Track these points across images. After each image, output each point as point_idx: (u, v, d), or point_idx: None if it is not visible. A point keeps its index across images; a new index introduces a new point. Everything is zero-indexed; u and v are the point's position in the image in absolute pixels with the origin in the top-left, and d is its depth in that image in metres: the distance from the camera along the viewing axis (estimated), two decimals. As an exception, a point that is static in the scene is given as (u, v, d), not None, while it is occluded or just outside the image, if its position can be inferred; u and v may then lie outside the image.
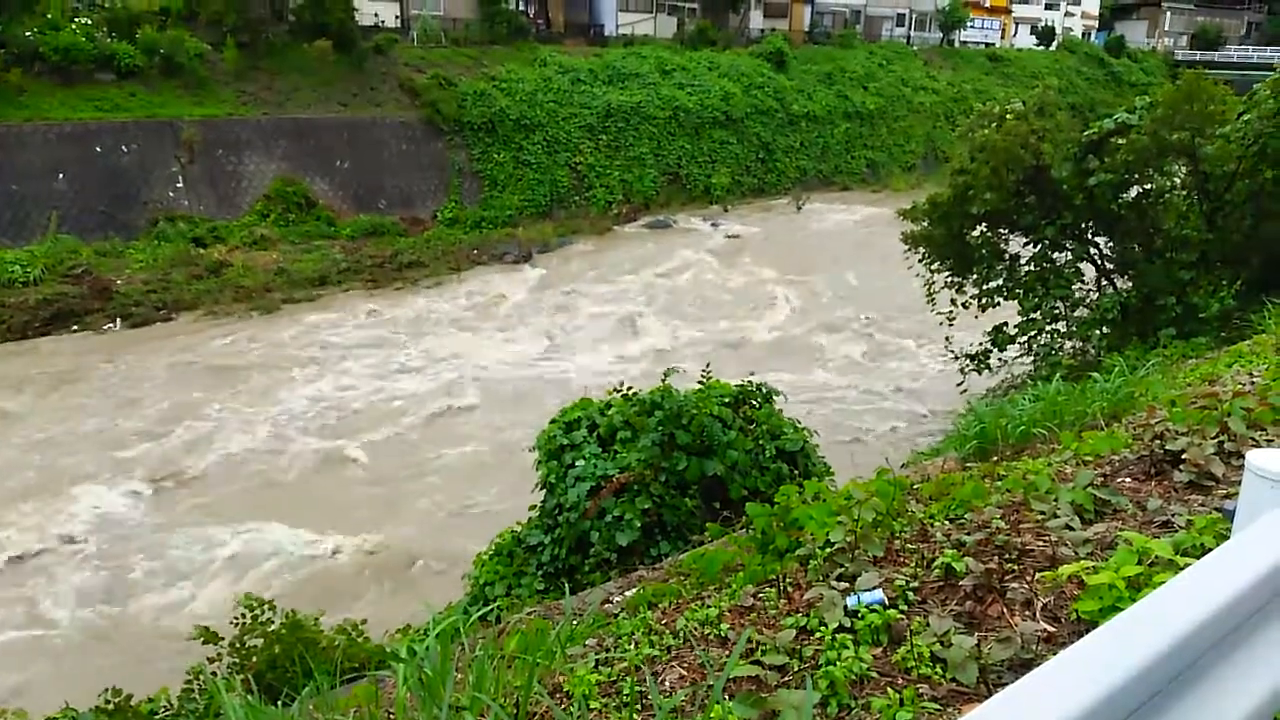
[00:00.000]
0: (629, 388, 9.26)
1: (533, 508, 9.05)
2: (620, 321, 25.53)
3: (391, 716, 2.82)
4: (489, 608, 4.12)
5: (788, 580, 3.44)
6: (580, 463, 8.38)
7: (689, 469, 8.05)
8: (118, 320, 23.86)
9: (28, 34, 28.32)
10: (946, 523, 3.80)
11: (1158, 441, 4.30)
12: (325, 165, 32.09)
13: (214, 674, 6.63)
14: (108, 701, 6.41)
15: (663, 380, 8.85)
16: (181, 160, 29.21)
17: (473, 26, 40.35)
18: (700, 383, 8.83)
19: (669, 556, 7.39)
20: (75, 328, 23.33)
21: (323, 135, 32.44)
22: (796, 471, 8.23)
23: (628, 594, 4.52)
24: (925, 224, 17.45)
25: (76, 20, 29.86)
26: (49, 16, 29.17)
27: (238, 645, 6.99)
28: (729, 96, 43.34)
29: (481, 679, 2.63)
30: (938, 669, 2.55)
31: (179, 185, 28.97)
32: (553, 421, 9.12)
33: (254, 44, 32.90)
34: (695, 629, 3.11)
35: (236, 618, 7.15)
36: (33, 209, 26.07)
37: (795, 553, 3.85)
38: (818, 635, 2.78)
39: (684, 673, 2.80)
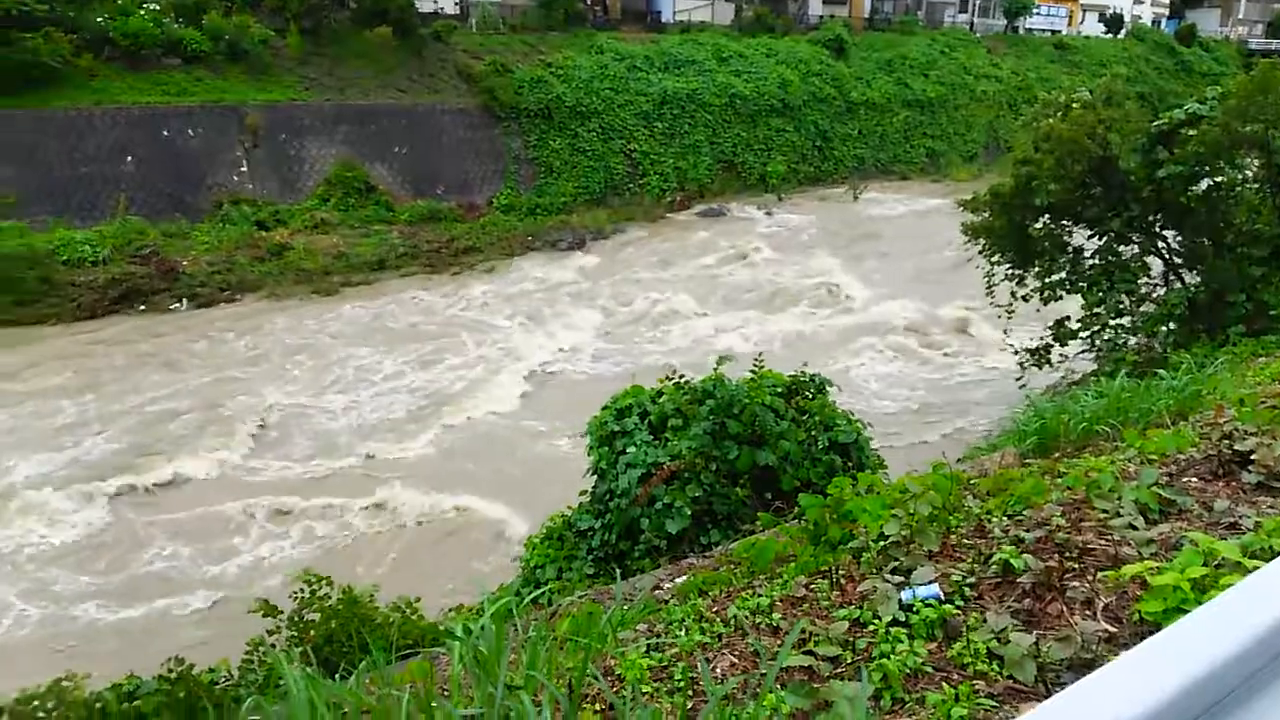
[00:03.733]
0: (680, 376, 9.25)
1: (583, 493, 9.10)
2: (672, 309, 25.50)
3: (446, 693, 2.86)
4: (540, 590, 4.16)
5: (840, 572, 3.42)
6: (631, 449, 8.41)
7: (740, 458, 8.03)
8: (184, 300, 24.51)
9: (98, 19, 29.14)
10: (1005, 519, 3.74)
11: (1226, 441, 4.18)
12: (384, 151, 32.51)
13: (273, 646, 6.80)
14: (170, 670, 6.58)
15: (715, 369, 8.84)
16: (245, 144, 29.83)
17: (530, 13, 40.50)
18: (752, 372, 8.79)
19: (719, 545, 7.39)
20: (142, 307, 24.01)
21: (382, 121, 32.85)
22: (850, 464, 8.17)
23: (678, 581, 4.53)
24: (986, 215, 17.12)
25: (145, 6, 30.61)
26: (119, 2, 29.99)
27: (296, 619, 7.16)
28: (786, 84, 42.89)
29: (534, 659, 2.66)
30: (994, 666, 2.52)
31: (243, 169, 29.59)
32: (604, 408, 9.16)
33: (316, 30, 33.43)
34: (746, 617, 3.11)
35: (294, 592, 7.32)
36: (102, 190, 26.84)
37: (848, 545, 3.82)
38: (871, 628, 2.76)
39: (735, 660, 2.80)
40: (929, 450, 13.05)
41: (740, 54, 43.30)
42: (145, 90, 28.98)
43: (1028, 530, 3.44)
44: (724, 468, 8.08)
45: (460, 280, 28.02)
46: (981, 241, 17.37)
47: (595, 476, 8.84)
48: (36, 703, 6.27)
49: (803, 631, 2.73)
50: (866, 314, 25.23)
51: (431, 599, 8.82)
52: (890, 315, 24.87)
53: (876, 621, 2.79)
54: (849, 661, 2.61)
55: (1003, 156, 38.46)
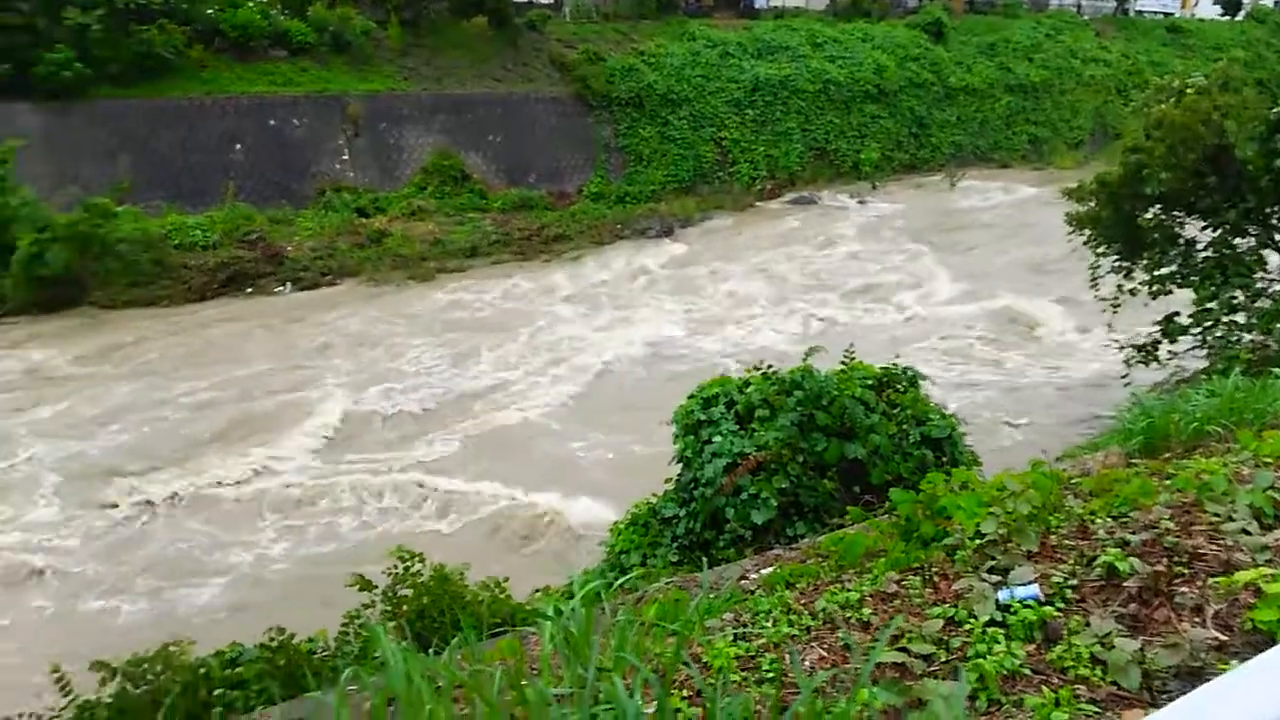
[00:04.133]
0: (768, 366, 9.17)
1: (668, 480, 9.12)
2: (760, 298, 25.30)
3: (535, 672, 2.91)
4: (628, 576, 4.19)
5: (934, 569, 3.35)
6: (717, 439, 8.38)
7: (828, 451, 7.93)
8: (288, 284, 25.45)
9: (209, 12, 30.41)
10: (1109, 520, 3.60)
11: (1353, 446, 3.94)
12: (479, 140, 33.08)
13: (368, 619, 7.02)
14: (272, 639, 6.85)
15: (804, 359, 8.73)
16: (347, 133, 30.74)
17: (623, 2, 40.58)
18: (843, 364, 8.65)
19: (805, 538, 7.31)
20: (249, 290, 25.04)
21: (477, 110, 33.42)
22: (943, 459, 7.98)
23: (764, 572, 4.51)
24: (1092, 204, 16.45)
25: (254, -1, 31.86)
26: (230, -4, 31.27)
27: (390, 594, 7.37)
28: (882, 69, 41.97)
29: (622, 643, 2.69)
30: (1097, 671, 2.44)
31: (345, 157, 30.51)
32: (690, 397, 9.14)
33: (416, 21, 34.21)
34: (836, 611, 3.07)
35: (389, 568, 7.54)
36: (212, 177, 28.02)
37: (941, 542, 3.74)
38: (966, 627, 2.70)
39: (824, 654, 2.78)
40: (1019, 448, 12.65)
41: (835, 39, 42.53)
42: (253, 80, 30.12)
43: (1134, 533, 3.31)
44: (811, 460, 7.99)
45: (550, 267, 28.36)
46: (1087, 232, 16.71)
47: (680, 465, 8.85)
48: (146, 666, 6.60)
49: (896, 628, 2.68)
50: (956, 307, 24.57)
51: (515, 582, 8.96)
52: (980, 309, 24.16)
53: (972, 621, 2.73)
54: (943, 660, 2.56)
55: (1110, 144, 36.93)
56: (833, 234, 31.76)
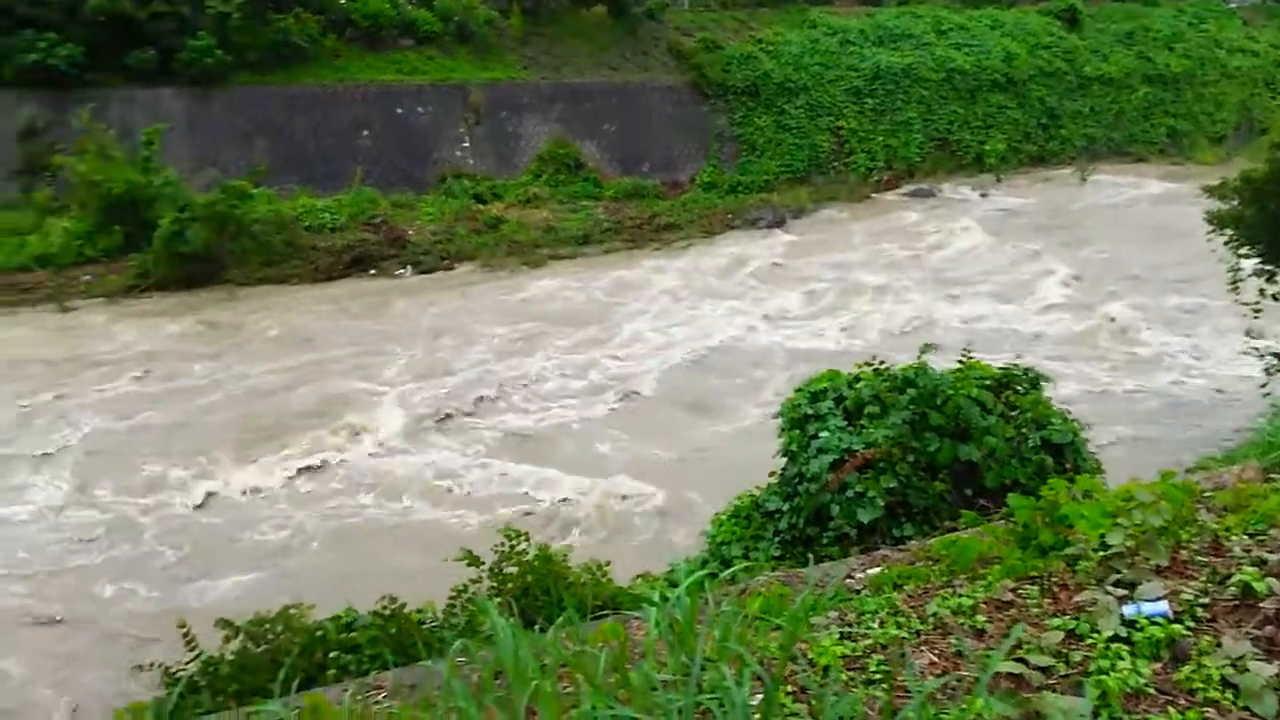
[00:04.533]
0: (880, 361, 8.98)
1: (772, 474, 9.06)
2: (873, 292, 24.78)
3: (638, 656, 2.94)
4: (734, 569, 4.19)
5: (1053, 579, 3.23)
6: (824, 434, 8.26)
7: (941, 452, 7.72)
8: (408, 267, 26.32)
9: (341, 1, 31.64)
10: (1245, 537, 3.40)
11: None
12: (594, 128, 33.40)
13: (475, 594, 7.22)
14: (384, 607, 7.12)
15: (918, 356, 8.52)
16: (468, 121, 31.52)
17: (743, -11, 40.25)
18: (960, 362, 8.40)
19: (913, 539, 7.15)
20: (373, 272, 26.01)
21: (594, 99, 33.74)
22: (1068, 466, 7.67)
23: (870, 572, 4.43)
24: (1235, 203, 15.46)
25: (384, -11, 32.95)
26: (361, -14, 32.44)
27: (496, 571, 7.57)
28: (1011, 57, 40.37)
29: (726, 634, 2.69)
30: (1228, 695, 2.31)
31: (465, 145, 31.30)
32: (797, 390, 9.04)
33: (536, 10, 34.77)
34: (947, 616, 3.00)
35: (496, 546, 7.73)
36: (341, 162, 29.16)
37: (1062, 552, 3.60)
38: (1088, 641, 2.60)
39: (934, 659, 2.71)
40: (1139, 460, 12.02)
41: (962, 26, 41.12)
42: (382, 69, 31.19)
43: (1272, 551, 3.12)
44: (922, 460, 7.80)
45: (659, 256, 28.45)
46: (1228, 232, 15.73)
47: (785, 459, 8.77)
48: (267, 626, 6.95)
49: (1015, 638, 2.60)
50: (1077, 309, 23.48)
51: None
52: (1103, 312, 23.01)
53: (1095, 635, 2.62)
54: (1062, 674, 2.46)
55: (1255, 139, 34.54)
56: (952, 228, 30.80)
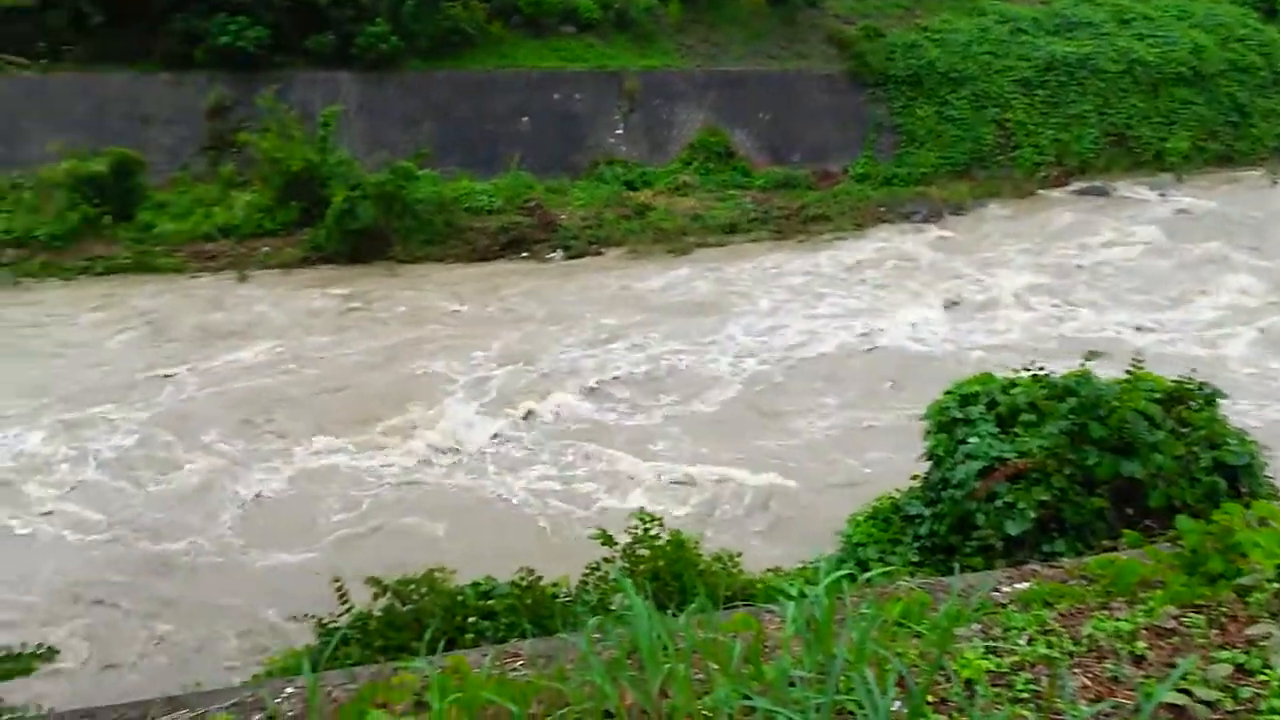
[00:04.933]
0: (1039, 367, 8.57)
1: (914, 477, 8.82)
2: (1032, 295, 23.61)
3: (771, 651, 2.93)
4: (874, 572, 4.09)
5: (1222, 609, 3.01)
6: (974, 440, 7.95)
7: (1101, 466, 7.29)
8: (559, 251, 26.95)
9: (508, -11, 32.59)
10: None
11: None
12: (746, 117, 33.15)
13: (607, 574, 7.37)
14: (522, 579, 7.38)
15: (1082, 364, 8.08)
16: (622, 109, 31.89)
17: (909, -25, 38.94)
18: (1128, 373, 7.91)
19: (1064, 556, 6.81)
20: (525, 254, 26.77)
21: (748, 87, 33.47)
22: (1243, 490, 7.12)
23: (1018, 586, 4.25)
24: None
25: (547, -24, 33.67)
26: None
27: (629, 552, 7.70)
28: (1199, 49, 37.46)
29: (864, 637, 2.64)
30: None
31: (619, 132, 31.70)
32: (947, 392, 8.73)
33: (695, -2, 34.79)
34: (1104, 639, 2.84)
35: (630, 528, 7.86)
36: (500, 146, 30.07)
37: (1233, 581, 3.35)
38: (1260, 678, 2.41)
39: (1088, 683, 2.58)
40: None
41: (1146, 15, 38.46)
42: (544, 56, 31.94)
43: None
44: (1080, 474, 7.39)
45: (805, 247, 28.00)
46: None
47: (930, 462, 8.52)
48: (413, 586, 7.32)
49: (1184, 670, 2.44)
50: (1267, 323, 21.59)
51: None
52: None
53: (1267, 672, 2.43)
54: (1229, 709, 2.30)
55: None
56: (1127, 229, 28.94)
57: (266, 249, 25.83)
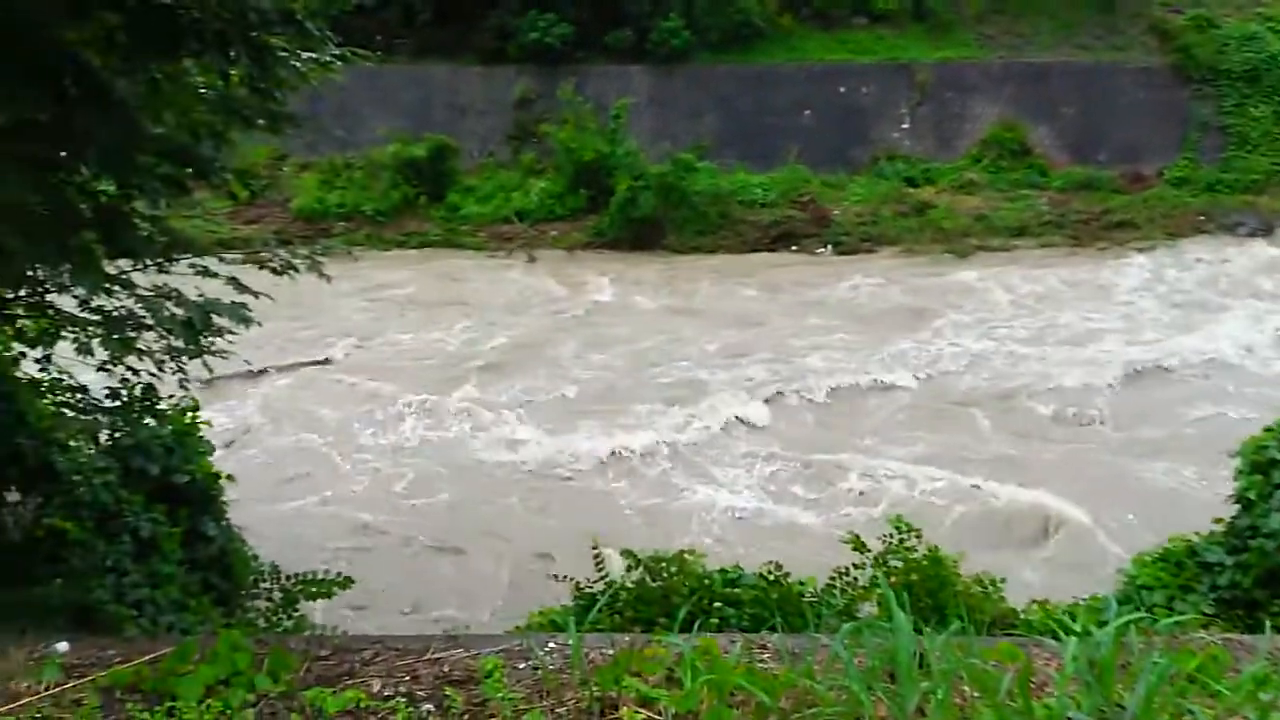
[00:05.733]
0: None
1: (1217, 520, 7.93)
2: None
3: (1040, 687, 2.77)
4: (1168, 620, 3.66)
5: None
6: (1295, 486, 7.02)
7: None
8: (829, 246, 26.58)
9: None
10: None
11: None
12: (1047, 111, 30.78)
13: (855, 580, 7.24)
14: (769, 572, 7.41)
15: None
16: (911, 102, 30.74)
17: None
18: None
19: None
20: (794, 248, 26.67)
21: (1051, 80, 31.06)
22: None
23: (1342, 658, 3.70)
24: None
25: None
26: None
27: (880, 561, 7.49)
28: None
29: (1153, 689, 2.42)
30: None
31: (905, 126, 30.61)
32: (1267, 429, 7.78)
33: (1001, -15, 32.77)
34: None
35: (885, 536, 7.64)
36: (778, 140, 30.01)
37: None
38: None
39: None
40: None
41: None
42: (832, 48, 31.47)
43: None
44: None
45: (1106, 256, 25.65)
46: None
47: (1239, 506, 7.63)
48: (664, 564, 7.57)
49: None
50: None
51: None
52: None
53: None
54: None
55: None
56: None
57: (555, 233, 27.59)
